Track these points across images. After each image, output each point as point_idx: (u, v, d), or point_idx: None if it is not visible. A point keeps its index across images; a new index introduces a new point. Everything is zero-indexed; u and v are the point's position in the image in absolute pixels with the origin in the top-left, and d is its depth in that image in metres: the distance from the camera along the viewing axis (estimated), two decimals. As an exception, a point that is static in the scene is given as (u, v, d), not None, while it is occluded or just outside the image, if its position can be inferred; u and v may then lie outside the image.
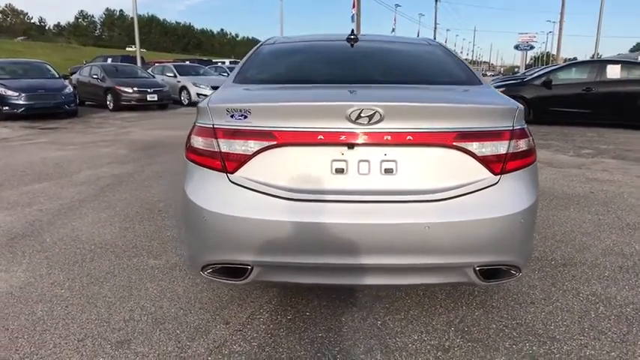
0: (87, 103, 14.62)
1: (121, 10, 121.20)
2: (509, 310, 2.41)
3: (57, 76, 12.40)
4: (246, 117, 1.96)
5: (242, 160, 1.97)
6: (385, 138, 1.91)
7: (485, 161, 1.95)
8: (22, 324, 2.30)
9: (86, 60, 23.94)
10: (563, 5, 26.17)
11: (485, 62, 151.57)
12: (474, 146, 1.94)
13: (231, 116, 1.98)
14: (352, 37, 2.92)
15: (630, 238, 3.41)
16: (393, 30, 63.24)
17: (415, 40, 3.31)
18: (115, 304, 2.48)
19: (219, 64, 28.35)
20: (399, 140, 1.91)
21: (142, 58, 22.82)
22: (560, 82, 9.28)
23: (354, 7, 43.54)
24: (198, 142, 2.07)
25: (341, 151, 1.94)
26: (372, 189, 1.94)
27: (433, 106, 1.98)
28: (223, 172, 2.00)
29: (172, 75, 16.24)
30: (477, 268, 1.99)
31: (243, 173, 1.97)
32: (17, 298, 2.56)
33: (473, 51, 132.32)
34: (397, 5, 59.85)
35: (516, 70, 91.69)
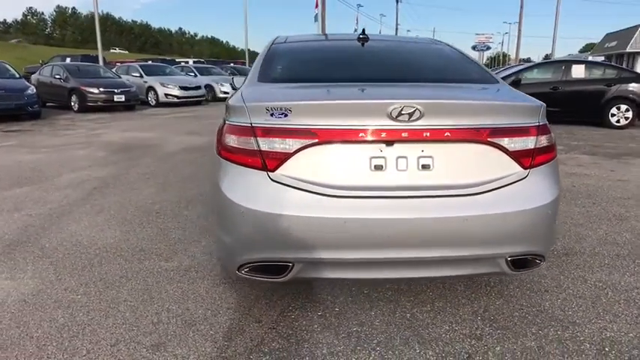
0: (48, 104, 14.02)
1: (74, 8, 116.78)
2: (527, 298, 2.52)
3: (17, 76, 11.85)
4: (286, 115, 1.97)
5: (283, 158, 1.98)
6: (424, 135, 1.97)
7: (515, 156, 2.05)
8: (47, 331, 2.22)
9: (43, 60, 22.89)
10: (521, 7, 27.25)
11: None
12: (505, 142, 2.04)
13: (271, 115, 1.99)
14: (363, 36, 2.97)
15: (620, 227, 3.63)
16: (355, 30, 64.08)
17: (422, 39, 3.40)
18: (139, 308, 2.44)
19: (183, 63, 27.85)
20: (437, 137, 1.98)
21: (103, 58, 22.09)
22: (528, 81, 9.68)
23: (316, 6, 43.63)
24: (234, 140, 2.07)
25: (379, 148, 1.99)
26: (410, 185, 1.99)
27: (469, 103, 2.06)
28: (263, 170, 2.00)
29: (138, 75, 15.82)
30: (509, 259, 2.09)
31: (283, 171, 1.99)
32: (32, 305, 2.46)
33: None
34: (359, 5, 60.55)
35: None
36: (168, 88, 15.05)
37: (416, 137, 1.97)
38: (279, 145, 1.99)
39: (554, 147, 2.19)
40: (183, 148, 7.33)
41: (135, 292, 2.60)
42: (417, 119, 1.95)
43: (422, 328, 2.25)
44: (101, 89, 12.97)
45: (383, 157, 1.99)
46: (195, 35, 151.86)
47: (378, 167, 1.99)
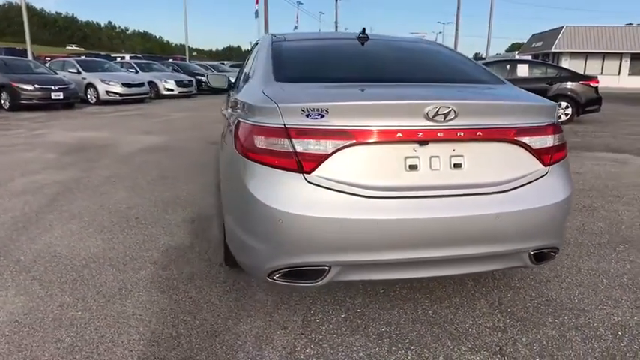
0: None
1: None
2: (534, 289, 2.64)
3: None
4: (323, 116, 1.92)
5: (319, 159, 1.93)
6: (458, 134, 2.00)
7: (538, 154, 2.13)
8: (55, 353, 2.03)
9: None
10: (458, 8, 28.40)
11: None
12: (529, 140, 2.11)
13: (307, 115, 1.93)
14: (363, 35, 2.97)
15: (592, 218, 3.89)
16: (296, 27, 63.89)
17: (416, 39, 3.44)
18: (151, 321, 2.29)
19: (119, 59, 26.52)
20: (470, 136, 2.01)
21: (32, 53, 20.53)
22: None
23: (257, 2, 43.10)
24: (264, 142, 1.99)
25: (413, 147, 1.99)
26: (443, 184, 2.01)
27: (499, 103, 2.11)
28: (299, 172, 1.94)
29: (76, 71, 14.81)
30: (532, 252, 2.17)
31: (320, 173, 1.94)
32: (29, 325, 2.24)
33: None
34: (299, 2, 60.49)
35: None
36: (109, 84, 14.24)
37: (450, 137, 1.99)
38: (315, 146, 1.93)
39: (566, 144, 2.30)
40: (141, 148, 6.97)
41: (141, 305, 2.44)
42: (452, 119, 1.97)
43: (447, 324, 2.29)
44: (36, 86, 12.03)
45: (417, 157, 2.00)
46: (127, 29, 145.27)
47: (413, 167, 1.99)
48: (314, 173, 1.94)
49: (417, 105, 1.96)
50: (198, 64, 23.17)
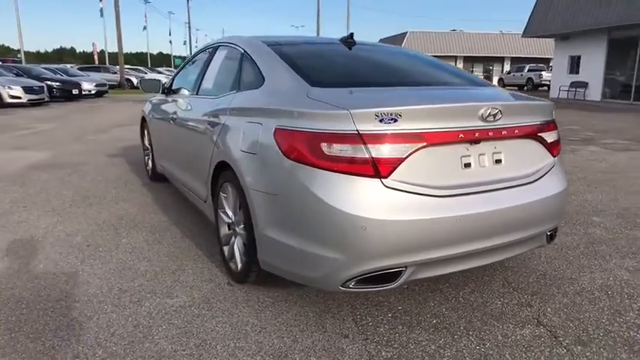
0: None
1: None
2: (525, 267, 2.99)
3: None
4: (396, 120, 1.96)
5: (395, 163, 1.96)
6: (502, 133, 2.20)
7: (549, 147, 2.44)
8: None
9: None
10: (318, 13, 29.65)
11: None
12: (544, 135, 2.41)
13: (381, 120, 1.94)
14: (350, 40, 3.04)
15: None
16: (145, 28, 60.01)
17: (393, 46, 3.59)
18: (203, 356, 2.06)
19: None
20: (509, 134, 2.23)
21: None
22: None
23: (101, 0, 39.63)
24: (336, 149, 1.95)
25: (466, 147, 2.14)
26: (490, 179, 2.20)
27: (528, 104, 2.36)
28: (376, 177, 1.95)
29: None
30: (548, 233, 2.49)
31: (395, 176, 1.97)
32: None
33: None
34: (147, 1, 56.93)
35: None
36: (12, 89, 11.95)
37: (496, 135, 2.19)
38: (391, 150, 1.96)
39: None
40: (28, 166, 5.99)
41: (176, 340, 2.18)
42: (499, 119, 2.16)
43: (482, 307, 2.49)
44: None
45: (469, 156, 2.15)
46: None
47: (467, 165, 2.14)
48: (390, 177, 1.96)
49: (474, 107, 2.11)
50: (45, 68, 20.42)
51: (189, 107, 3.53)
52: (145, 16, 56.38)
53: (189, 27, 62.43)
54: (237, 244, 2.67)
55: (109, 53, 48.09)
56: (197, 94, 3.53)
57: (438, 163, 2.07)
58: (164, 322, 2.33)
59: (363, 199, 1.94)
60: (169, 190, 4.79)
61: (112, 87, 24.70)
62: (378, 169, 1.94)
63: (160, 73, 37.50)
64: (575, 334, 2.25)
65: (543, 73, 28.00)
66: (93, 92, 20.06)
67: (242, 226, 2.61)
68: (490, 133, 2.16)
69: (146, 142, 5.23)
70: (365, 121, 1.94)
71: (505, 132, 2.21)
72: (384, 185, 1.95)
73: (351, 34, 3.06)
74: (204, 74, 3.50)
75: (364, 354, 2.08)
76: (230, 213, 2.75)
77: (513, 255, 2.48)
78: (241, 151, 2.45)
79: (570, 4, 19.04)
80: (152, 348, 2.11)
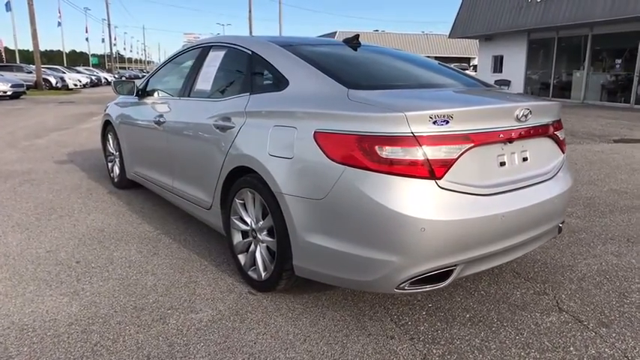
0: None
1: None
2: (524, 256, 3.17)
3: None
4: (447, 122, 1.99)
5: (448, 164, 2.00)
6: (530, 132, 2.32)
7: (560, 145, 2.61)
8: None
9: None
10: (250, 12, 29.20)
11: (150, 62, 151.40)
12: (557, 133, 2.57)
13: (434, 122, 1.97)
14: (356, 41, 3.05)
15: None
16: (60, 24, 55.78)
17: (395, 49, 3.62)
18: (257, 369, 1.98)
19: None
20: (535, 133, 2.35)
21: None
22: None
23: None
24: (391, 151, 1.95)
25: (502, 146, 2.23)
26: (521, 177, 2.31)
27: (548, 104, 2.49)
28: (431, 178, 1.98)
29: None
30: (560, 225, 2.65)
31: (448, 177, 2.01)
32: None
33: (145, 50, 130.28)
34: (61, -4, 53.13)
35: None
36: None
37: (526, 135, 2.30)
38: (444, 152, 1.99)
39: None
40: (-34, 176, 5.38)
41: (220, 356, 2.07)
42: (529, 119, 2.27)
43: (505, 298, 2.60)
44: None
45: (504, 154, 2.24)
46: None
47: (502, 164, 2.23)
48: (444, 178, 2.00)
49: (511, 108, 2.20)
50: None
51: (181, 111, 3.34)
52: (59, 12, 52.32)
53: (109, 24, 59.07)
54: (261, 252, 2.58)
55: (19, 51, 44.16)
56: (189, 96, 3.36)
57: (481, 162, 2.13)
58: (199, 338, 2.21)
59: (420, 201, 1.95)
60: (141, 198, 4.52)
61: (27, 87, 22.70)
62: (433, 171, 1.97)
63: (79, 72, 35.12)
64: (596, 317, 2.42)
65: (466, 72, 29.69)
66: (9, 94, 18.40)
67: (265, 232, 2.54)
68: (522, 133, 2.27)
69: (110, 148, 4.89)
70: (419, 123, 1.95)
71: (532, 131, 2.33)
72: (439, 186, 1.99)
73: (357, 36, 3.06)
74: (197, 76, 3.34)
75: (417, 354, 2.10)
76: (249, 220, 2.66)
77: (536, 247, 2.62)
78: (270, 155, 2.37)
79: (493, 7, 20.34)
80: (200, 367, 1.99)
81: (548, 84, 19.37)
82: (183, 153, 3.27)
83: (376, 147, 1.96)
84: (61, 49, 65.80)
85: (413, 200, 1.95)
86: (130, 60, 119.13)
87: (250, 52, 2.87)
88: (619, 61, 16.39)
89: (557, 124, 2.59)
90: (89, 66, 54.32)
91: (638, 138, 8.96)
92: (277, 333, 2.25)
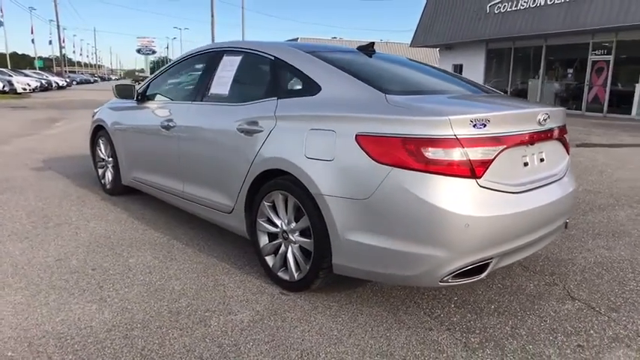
0: None
1: None
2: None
3: None
4: (485, 125, 2.15)
5: (486, 164, 2.15)
6: (548, 135, 2.51)
7: (566, 147, 2.83)
8: None
9: None
10: (212, 16, 28.85)
11: (101, 66, 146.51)
12: (564, 136, 2.79)
13: (474, 126, 2.12)
14: (372, 49, 3.18)
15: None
16: (2, 24, 52.86)
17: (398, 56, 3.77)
18: (312, 364, 2.05)
19: None
20: (550, 136, 2.55)
21: None
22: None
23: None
24: (437, 153, 2.08)
25: (525, 148, 2.41)
26: (541, 176, 2.50)
27: (559, 110, 2.69)
28: (472, 177, 2.12)
29: None
30: (567, 221, 2.87)
31: (487, 176, 2.16)
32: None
33: (95, 54, 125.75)
34: (5, -4, 50.39)
35: (140, 74, 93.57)
36: None
37: (545, 137, 2.49)
38: (483, 153, 2.14)
39: None
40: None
41: (273, 353, 2.12)
42: (547, 123, 2.47)
43: (521, 290, 2.78)
44: None
45: (526, 155, 2.42)
46: None
47: (526, 164, 2.41)
48: (483, 177, 2.15)
49: (535, 112, 2.39)
50: None
51: (195, 115, 3.35)
52: (1, 10, 49.42)
53: (58, 25, 56.57)
54: (294, 253, 2.64)
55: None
56: (202, 100, 3.37)
57: (511, 163, 2.30)
58: (246, 338, 2.24)
59: (463, 198, 2.09)
60: (138, 204, 4.45)
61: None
62: (474, 170, 2.12)
63: (27, 76, 33.44)
64: (605, 303, 2.64)
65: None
66: (-45, 98, 17.33)
67: (298, 233, 2.61)
68: (541, 136, 2.46)
69: (102, 154, 4.78)
70: (461, 127, 2.10)
71: (548, 134, 2.53)
72: (479, 185, 2.13)
73: (372, 44, 3.19)
74: (210, 80, 3.36)
75: (458, 343, 2.23)
76: (278, 221, 2.71)
77: (550, 242, 2.82)
78: (307, 157, 2.44)
79: (453, 18, 21.16)
80: (257, 365, 2.04)
81: (505, 92, 20.31)
82: (198, 157, 3.28)
83: (422, 149, 2.09)
84: (4, 51, 62.25)
85: (457, 198, 2.08)
86: (79, 64, 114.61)
87: (273, 58, 2.94)
88: (571, 70, 17.48)
89: (564, 129, 2.81)
90: (34, 69, 51.75)
91: (597, 143, 9.61)
92: (321, 330, 2.32)
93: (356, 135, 2.27)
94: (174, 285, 2.79)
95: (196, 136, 3.29)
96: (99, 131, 4.76)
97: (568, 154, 2.85)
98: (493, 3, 18.88)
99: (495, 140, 2.19)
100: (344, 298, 2.65)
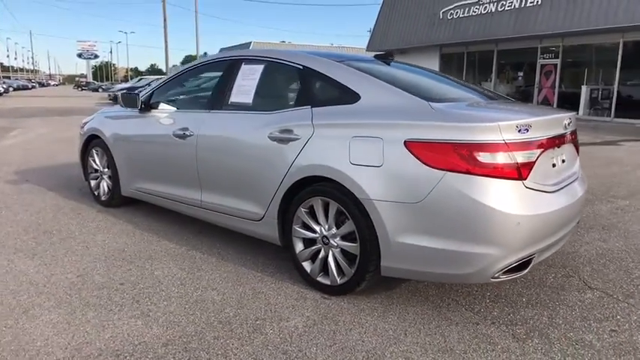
0: None
1: None
2: (534, 247, 3.61)
3: None
4: (527, 130, 2.31)
5: (530, 166, 2.32)
6: (568, 138, 2.73)
7: (577, 148, 3.07)
8: None
9: None
10: (165, 19, 28.05)
11: (37, 71, 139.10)
12: (576, 139, 3.02)
13: (519, 131, 2.28)
14: (391, 57, 3.31)
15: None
16: None
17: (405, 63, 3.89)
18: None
19: None
20: (569, 139, 2.77)
21: None
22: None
23: None
24: (488, 157, 2.22)
25: (553, 150, 2.61)
26: (565, 176, 2.71)
27: (574, 115, 2.91)
28: (519, 179, 2.28)
29: None
30: (579, 218, 3.11)
31: (530, 178, 2.32)
32: None
33: (32, 58, 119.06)
34: None
35: (81, 80, 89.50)
36: None
37: (566, 140, 2.70)
38: (527, 156, 2.31)
39: None
40: None
41: (341, 355, 2.18)
42: (569, 128, 2.68)
43: (544, 283, 2.98)
44: None
45: (554, 157, 2.62)
46: None
47: (554, 165, 2.61)
48: (528, 179, 2.31)
49: (562, 117, 2.59)
50: None
51: (216, 124, 3.33)
52: None
53: (-8, 28, 52.95)
54: (336, 257, 2.70)
55: None
56: (221, 109, 3.36)
57: (545, 164, 2.48)
58: (308, 343, 2.29)
59: (514, 199, 2.24)
60: (140, 214, 4.34)
61: None
62: (521, 172, 2.27)
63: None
64: (620, 291, 2.88)
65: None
66: None
67: (339, 238, 2.67)
68: (565, 138, 2.67)
69: (95, 165, 4.62)
70: (509, 132, 2.25)
71: (569, 137, 2.74)
72: (525, 186, 2.29)
73: (391, 53, 3.31)
74: (229, 89, 3.35)
75: (507, 335, 2.38)
76: (317, 227, 2.76)
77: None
78: (353, 164, 2.51)
79: (408, 23, 21.81)
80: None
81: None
82: (221, 166, 3.26)
83: (475, 153, 2.22)
84: None
85: (509, 199, 2.23)
86: (14, 69, 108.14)
87: (302, 67, 2.99)
88: (521, 73, 18.48)
89: (575, 132, 3.04)
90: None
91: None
92: (376, 330, 2.40)
93: (405, 141, 2.37)
94: (213, 295, 2.78)
95: (218, 145, 3.27)
96: (92, 141, 4.59)
97: (578, 154, 3.09)
98: (446, 9, 19.63)
99: (536, 144, 2.36)
100: (385, 299, 2.74)
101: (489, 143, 2.23)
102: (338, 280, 2.70)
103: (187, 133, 3.49)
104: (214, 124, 3.35)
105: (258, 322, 2.48)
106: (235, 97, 3.30)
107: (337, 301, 2.71)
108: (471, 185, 2.22)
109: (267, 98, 3.19)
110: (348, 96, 2.72)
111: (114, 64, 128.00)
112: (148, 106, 3.99)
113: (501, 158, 2.23)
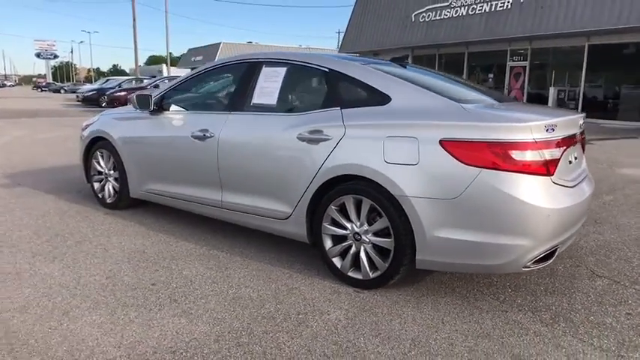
0: None
1: None
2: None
3: None
4: (554, 130, 2.50)
5: (556, 163, 2.51)
6: (580, 137, 2.94)
7: (583, 149, 3.29)
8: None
9: None
10: (134, 19, 27.42)
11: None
12: (584, 138, 3.25)
13: (547, 130, 2.46)
14: (407, 61, 3.45)
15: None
16: None
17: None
18: (422, 352, 2.26)
19: None
20: (579, 139, 2.98)
21: None
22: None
23: None
24: (521, 154, 2.40)
25: (570, 148, 2.81)
26: (578, 172, 2.92)
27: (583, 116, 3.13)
28: (547, 175, 2.46)
29: None
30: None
31: (556, 174, 2.51)
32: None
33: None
34: None
35: (40, 80, 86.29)
36: None
37: (578, 139, 2.91)
38: (554, 153, 2.49)
39: None
40: None
41: (388, 344, 2.30)
42: (582, 127, 2.90)
43: (555, 274, 3.19)
44: None
45: (569, 154, 2.82)
46: None
47: (570, 162, 2.81)
48: (554, 175, 2.50)
49: (578, 118, 2.80)
50: None
51: (240, 125, 3.39)
52: None
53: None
54: (368, 252, 2.82)
55: None
56: (242, 110, 3.43)
57: (565, 161, 2.68)
58: (354, 334, 2.39)
59: (544, 193, 2.42)
60: (150, 215, 4.34)
61: None
62: (549, 169, 2.46)
63: None
64: (625, 278, 3.12)
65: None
66: None
67: (371, 234, 2.79)
68: (578, 138, 2.88)
69: (100, 167, 4.57)
70: (538, 132, 2.43)
71: (580, 137, 2.96)
72: (552, 181, 2.48)
73: (407, 56, 3.46)
74: (250, 91, 3.42)
75: (535, 320, 2.56)
76: (349, 224, 2.87)
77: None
78: (388, 162, 2.64)
79: (380, 25, 22.18)
80: (374, 357, 2.20)
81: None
82: (245, 166, 3.32)
83: (509, 151, 2.38)
84: None
85: (540, 193, 2.41)
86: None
87: (328, 70, 3.09)
88: (491, 75, 19.13)
89: (584, 133, 3.27)
90: None
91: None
92: (415, 320, 2.54)
93: (440, 140, 2.51)
94: (250, 292, 2.85)
95: (243, 146, 3.33)
96: (96, 142, 4.55)
97: (583, 153, 3.32)
98: (418, 12, 20.10)
99: (560, 142, 2.55)
100: (414, 291, 2.88)
101: (522, 142, 2.40)
102: (370, 274, 2.82)
103: (207, 134, 3.52)
104: (237, 126, 3.40)
105: (300, 316, 2.57)
106: (258, 99, 3.37)
107: (370, 294, 2.82)
108: (505, 181, 2.38)
109: (292, 100, 3.27)
110: (379, 97, 2.85)
111: (75, 65, 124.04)
112: (160, 107, 4.00)
113: (532, 156, 2.41)
